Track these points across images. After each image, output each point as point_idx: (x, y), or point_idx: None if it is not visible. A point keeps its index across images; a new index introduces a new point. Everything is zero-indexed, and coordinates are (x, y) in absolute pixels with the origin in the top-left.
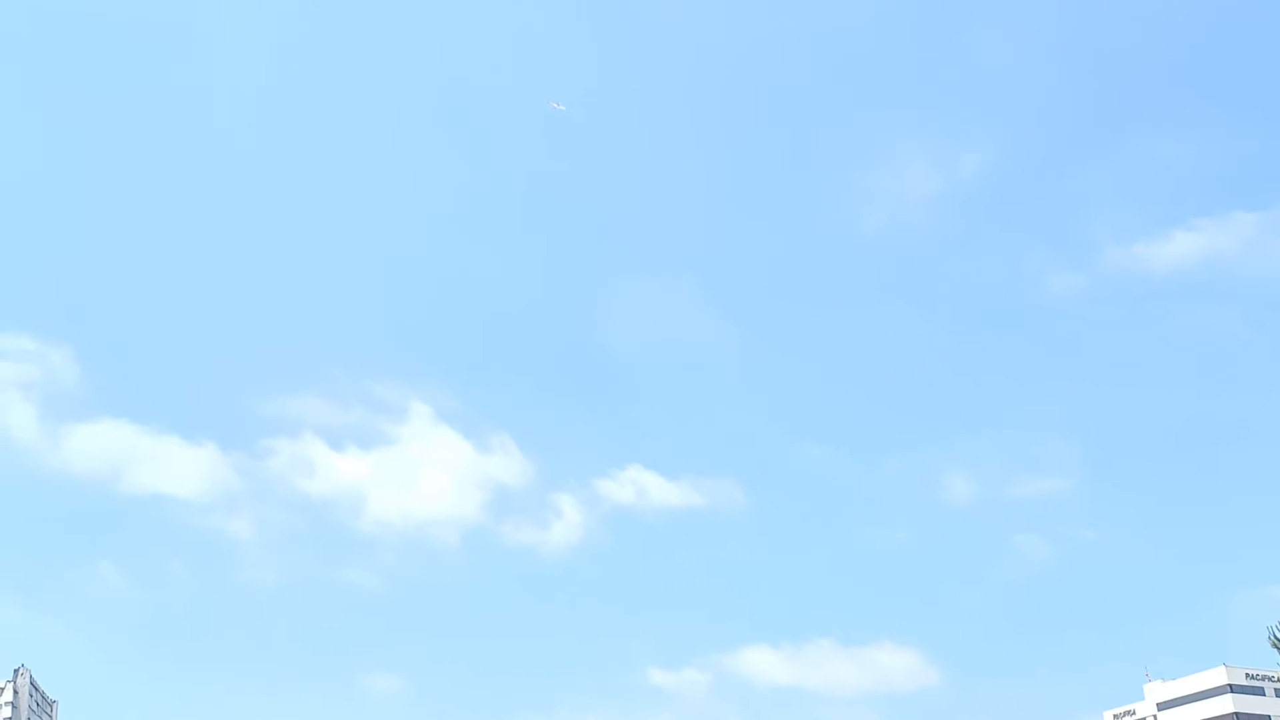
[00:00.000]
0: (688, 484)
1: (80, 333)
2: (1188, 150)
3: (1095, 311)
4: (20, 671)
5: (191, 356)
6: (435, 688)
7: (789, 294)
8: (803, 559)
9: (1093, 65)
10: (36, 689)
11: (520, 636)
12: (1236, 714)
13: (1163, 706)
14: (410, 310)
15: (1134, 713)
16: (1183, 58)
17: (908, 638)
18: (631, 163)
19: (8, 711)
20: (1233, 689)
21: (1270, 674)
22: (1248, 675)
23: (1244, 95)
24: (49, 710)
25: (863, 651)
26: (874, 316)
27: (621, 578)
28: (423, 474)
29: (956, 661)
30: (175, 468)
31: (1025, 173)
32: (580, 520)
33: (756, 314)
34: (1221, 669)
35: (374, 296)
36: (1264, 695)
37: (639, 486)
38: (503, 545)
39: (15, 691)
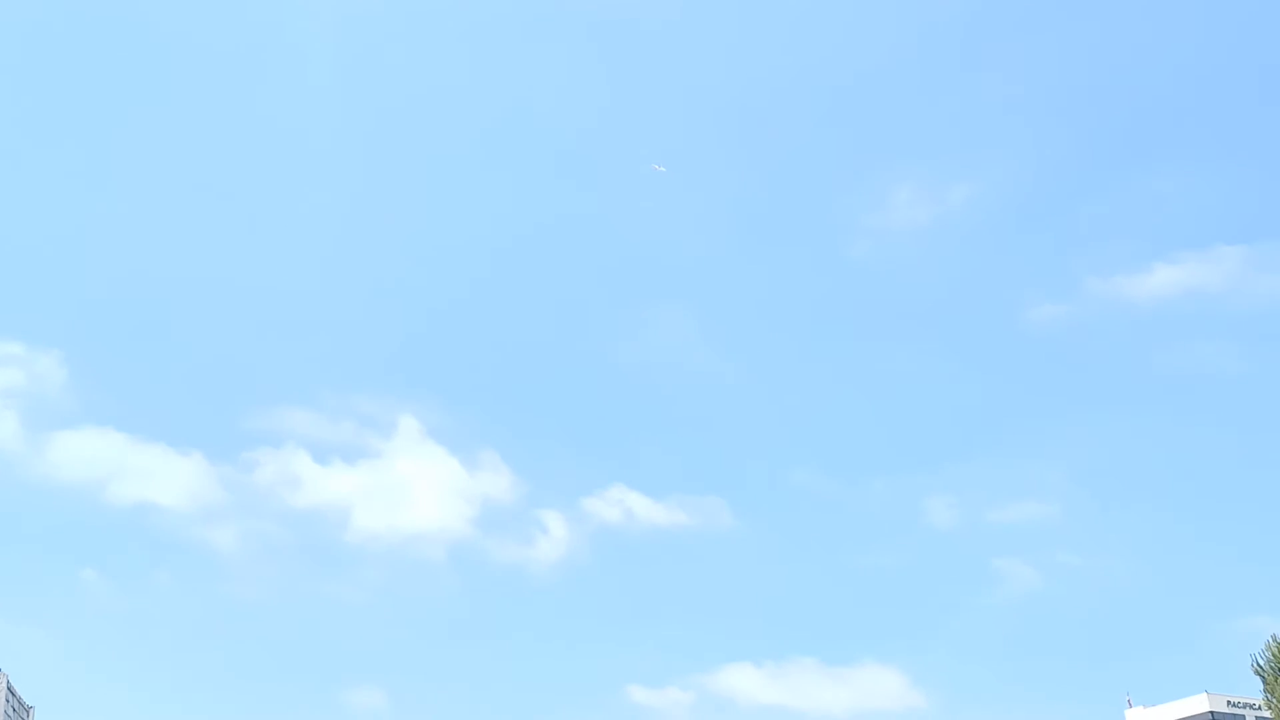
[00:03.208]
0: (674, 503)
1: (69, 338)
2: (1173, 186)
3: (1080, 340)
4: None
5: (180, 364)
6: (417, 702)
7: (779, 320)
8: (787, 578)
9: (1081, 104)
10: (14, 694)
11: (503, 652)
12: None
13: None
14: (400, 326)
15: None
16: (1170, 96)
17: (891, 659)
18: (624, 189)
19: None
20: (1214, 716)
21: (1252, 701)
22: (1229, 703)
23: (1228, 131)
24: (25, 716)
25: (846, 671)
26: (861, 343)
27: (606, 595)
28: (410, 489)
29: (941, 684)
30: (162, 477)
31: (1012, 205)
32: (566, 537)
33: (746, 339)
34: (1204, 696)
35: (364, 311)
36: None
37: (625, 506)
38: (489, 561)
39: None
